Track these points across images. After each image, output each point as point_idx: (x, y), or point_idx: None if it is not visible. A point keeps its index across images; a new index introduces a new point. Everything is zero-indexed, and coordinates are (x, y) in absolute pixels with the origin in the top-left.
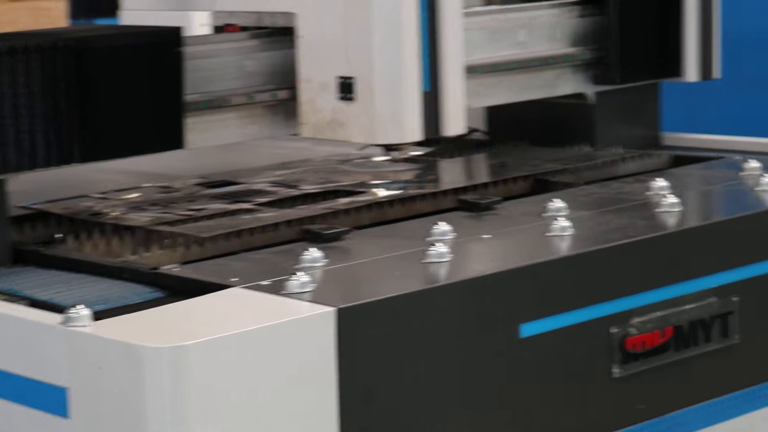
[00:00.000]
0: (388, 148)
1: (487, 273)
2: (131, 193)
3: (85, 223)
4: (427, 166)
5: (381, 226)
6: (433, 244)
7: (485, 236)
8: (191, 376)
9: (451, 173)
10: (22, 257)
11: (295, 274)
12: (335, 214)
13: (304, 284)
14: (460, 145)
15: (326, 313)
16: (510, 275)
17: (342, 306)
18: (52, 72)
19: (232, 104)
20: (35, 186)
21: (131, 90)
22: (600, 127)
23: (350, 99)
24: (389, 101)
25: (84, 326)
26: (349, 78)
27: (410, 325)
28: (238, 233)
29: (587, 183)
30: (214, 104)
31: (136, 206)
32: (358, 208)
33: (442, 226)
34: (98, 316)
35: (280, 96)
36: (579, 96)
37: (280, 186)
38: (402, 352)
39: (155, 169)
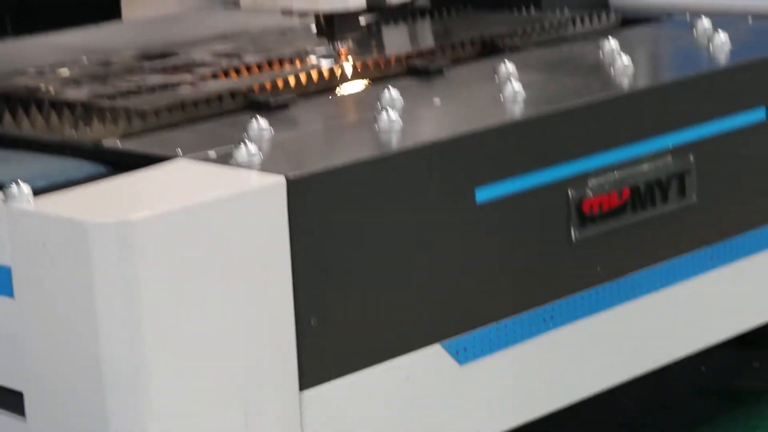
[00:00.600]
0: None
1: (440, 139)
2: (68, 68)
3: (21, 100)
4: (371, 33)
5: (328, 95)
6: (384, 110)
7: (436, 101)
8: (139, 252)
9: (396, 40)
10: None
11: (242, 143)
12: (281, 82)
13: (252, 154)
14: (403, 14)
15: (276, 183)
16: (463, 140)
17: (293, 175)
18: None
19: None
20: None
21: None
22: None
23: None
24: None
25: (26, 203)
26: None
27: (363, 194)
28: (182, 105)
29: (536, 45)
30: None
31: (74, 81)
32: (304, 77)
33: (392, 93)
34: (40, 192)
35: None
36: None
37: (221, 57)
38: (356, 222)
39: (91, 44)
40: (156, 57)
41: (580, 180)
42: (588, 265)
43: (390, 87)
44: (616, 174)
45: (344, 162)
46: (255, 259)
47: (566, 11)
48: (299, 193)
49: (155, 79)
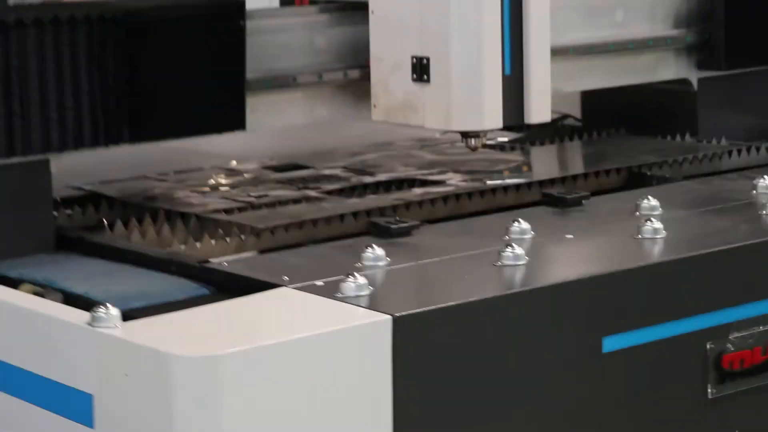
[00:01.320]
0: (465, 135)
1: (566, 280)
2: (193, 175)
3: (137, 208)
4: (513, 154)
5: (455, 221)
6: (510, 245)
7: (568, 236)
8: (224, 389)
9: (539, 163)
10: (66, 243)
11: (352, 275)
12: (407, 205)
13: (360, 287)
14: (551, 132)
15: (382, 321)
16: (592, 283)
17: (400, 315)
18: (101, 45)
19: (298, 83)
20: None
21: (186, 66)
22: (703, 116)
23: (425, 81)
24: (467, 85)
25: (112, 327)
26: (424, 58)
27: (477, 336)
28: (300, 224)
29: (687, 178)
30: (279, 83)
31: (195, 190)
32: (433, 200)
33: (522, 224)
34: (135, 314)
35: (351, 76)
36: (681, 82)
37: (352, 172)
38: (466, 365)
39: (227, 150)
40: (284, 169)
41: (720, 333)
42: (725, 425)
43: (521, 219)
44: (762, 328)
45: (457, 301)
46: (352, 402)
47: (723, 141)
48: (406, 333)
49: (278, 192)
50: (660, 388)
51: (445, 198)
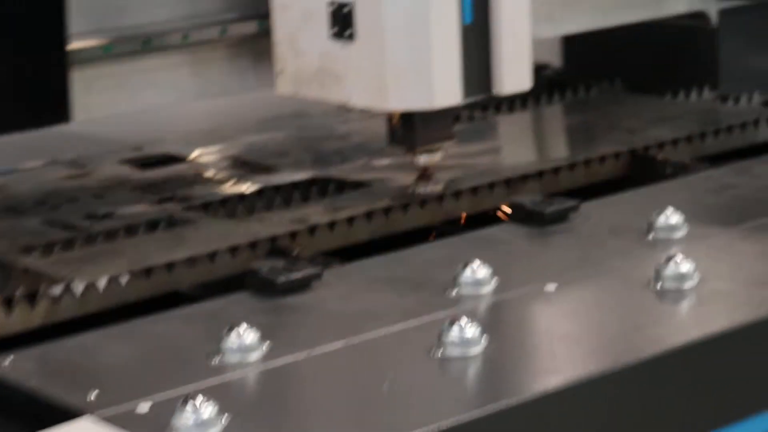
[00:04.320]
0: (408, 143)
1: (550, 388)
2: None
3: None
4: (470, 128)
5: (376, 259)
6: (456, 321)
7: (548, 288)
8: None
9: (505, 144)
10: None
11: (192, 398)
12: (311, 230)
13: (203, 424)
14: (524, 102)
15: None
16: (591, 388)
17: None
18: None
19: (160, 46)
20: None
21: None
22: (725, 62)
23: (347, 38)
24: (408, 42)
25: None
26: (346, 4)
27: None
28: (147, 272)
29: (711, 160)
30: (128, 48)
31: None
32: (350, 219)
33: (476, 269)
34: None
35: (244, 31)
36: (695, 16)
37: (240, 168)
38: None
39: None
40: (149, 162)
41: None
42: None
43: (476, 258)
44: None
45: None
46: None
47: (756, 96)
48: None
49: (129, 209)
50: None
51: (369, 214)
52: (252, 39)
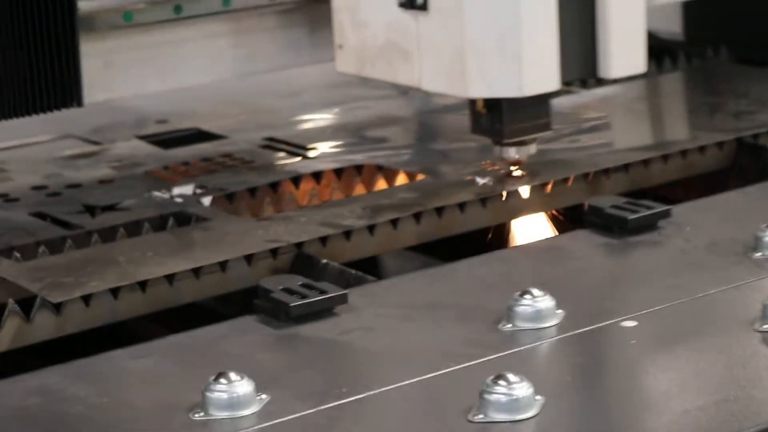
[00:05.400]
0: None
1: None
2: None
3: None
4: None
5: (414, 275)
6: (499, 378)
7: (626, 323)
8: None
9: (586, 127)
10: None
11: None
12: (347, 234)
13: None
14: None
15: None
16: None
17: None
18: None
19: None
20: None
21: None
22: None
23: (421, 6)
24: (494, 15)
25: None
26: None
27: None
28: (142, 285)
29: None
30: (156, 15)
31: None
32: (394, 221)
33: (537, 300)
34: None
35: None
36: None
37: (281, 149)
38: None
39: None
40: (172, 141)
41: None
42: None
43: (533, 291)
44: None
45: None
46: None
47: None
48: None
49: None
50: None
51: (418, 215)
52: (307, 4)
